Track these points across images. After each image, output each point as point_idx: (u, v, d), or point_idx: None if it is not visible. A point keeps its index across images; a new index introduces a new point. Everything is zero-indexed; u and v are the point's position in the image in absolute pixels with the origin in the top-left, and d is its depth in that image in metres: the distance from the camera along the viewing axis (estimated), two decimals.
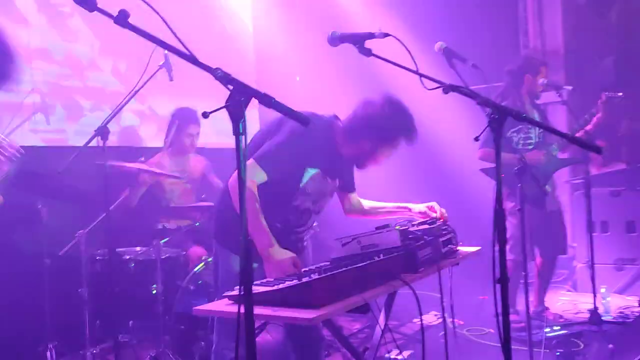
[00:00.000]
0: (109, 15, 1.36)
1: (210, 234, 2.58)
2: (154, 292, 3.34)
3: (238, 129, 1.34)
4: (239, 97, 1.34)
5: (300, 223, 2.47)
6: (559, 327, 3.86)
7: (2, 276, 3.28)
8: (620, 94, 3.88)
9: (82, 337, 3.31)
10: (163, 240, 3.46)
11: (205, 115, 1.35)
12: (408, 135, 2.40)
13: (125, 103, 3.39)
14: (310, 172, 2.38)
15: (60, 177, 2.93)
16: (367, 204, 2.79)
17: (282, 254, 2.11)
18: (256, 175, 2.23)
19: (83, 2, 1.33)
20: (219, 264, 2.49)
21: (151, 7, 1.39)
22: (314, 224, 2.62)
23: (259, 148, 2.31)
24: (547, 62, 4.27)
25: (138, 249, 3.60)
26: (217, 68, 1.38)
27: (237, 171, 2.23)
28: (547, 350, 3.47)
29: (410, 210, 2.70)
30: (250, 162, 2.25)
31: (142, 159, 3.69)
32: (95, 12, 1.37)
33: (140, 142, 4.63)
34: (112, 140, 3.59)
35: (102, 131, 3.21)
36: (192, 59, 1.42)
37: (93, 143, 3.22)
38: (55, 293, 3.41)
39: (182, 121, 4.07)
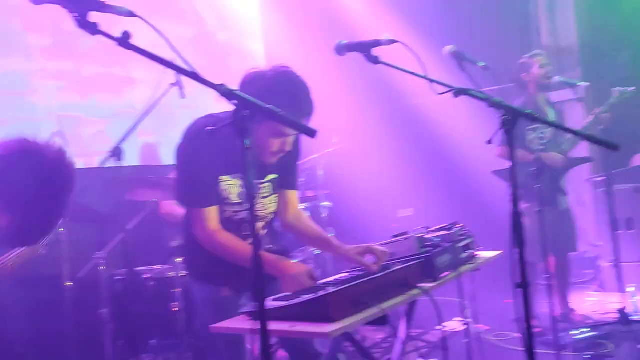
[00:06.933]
0: (112, 38, 1.36)
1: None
2: (175, 309, 3.34)
3: (244, 144, 1.33)
4: (244, 112, 1.33)
5: (243, 235, 2.22)
6: (587, 329, 3.77)
7: (24, 300, 3.31)
8: (633, 88, 3.83)
9: (104, 357, 3.32)
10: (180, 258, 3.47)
11: (212, 132, 1.34)
12: (296, 110, 1.99)
13: (139, 122, 3.44)
14: (225, 179, 2.18)
15: (78, 199, 2.96)
16: (302, 221, 2.44)
17: (297, 268, 2.08)
18: (205, 218, 2.12)
19: (85, 26, 1.34)
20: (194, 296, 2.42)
21: (154, 28, 1.39)
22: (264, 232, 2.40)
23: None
24: (541, 53, 4.24)
25: (157, 267, 3.61)
26: (221, 84, 1.38)
27: (201, 229, 2.11)
28: (576, 353, 3.39)
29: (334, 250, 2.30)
30: (187, 212, 2.20)
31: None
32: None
33: (159, 161, 4.65)
34: (131, 159, 3.62)
35: (117, 152, 3.25)
36: (197, 77, 1.42)
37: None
38: (76, 315, 3.43)
39: None
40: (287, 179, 2.40)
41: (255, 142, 2.05)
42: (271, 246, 2.40)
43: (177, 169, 2.19)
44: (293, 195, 2.43)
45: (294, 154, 2.34)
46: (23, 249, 2.56)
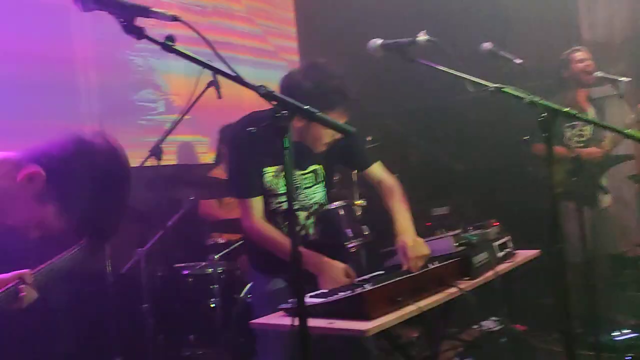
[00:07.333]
0: (156, 42, 1.40)
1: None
2: (213, 305, 3.41)
3: (284, 143, 1.36)
4: (282, 112, 1.36)
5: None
6: (628, 330, 3.69)
7: (70, 295, 3.42)
8: None
9: (145, 352, 3.41)
10: (218, 255, 3.54)
11: (252, 132, 1.38)
12: (337, 99, 2.10)
13: (178, 122, 3.51)
14: (269, 171, 2.25)
15: None
16: (380, 194, 2.48)
17: (335, 265, 2.10)
18: (249, 208, 2.21)
19: (131, 31, 1.38)
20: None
21: (197, 32, 1.43)
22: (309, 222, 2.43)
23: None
24: (581, 48, 4.18)
25: (195, 264, 3.68)
26: (260, 85, 1.41)
27: (246, 218, 2.20)
28: (616, 355, 3.33)
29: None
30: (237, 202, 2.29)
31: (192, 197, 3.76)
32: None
33: (196, 160, 4.72)
34: (169, 158, 3.67)
35: (156, 151, 3.33)
36: (237, 79, 1.45)
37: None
38: (119, 310, 3.53)
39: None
40: (357, 162, 2.49)
41: (310, 134, 2.16)
42: (318, 236, 2.43)
43: (227, 164, 2.28)
44: (370, 171, 2.47)
45: (349, 140, 2.31)
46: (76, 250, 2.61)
